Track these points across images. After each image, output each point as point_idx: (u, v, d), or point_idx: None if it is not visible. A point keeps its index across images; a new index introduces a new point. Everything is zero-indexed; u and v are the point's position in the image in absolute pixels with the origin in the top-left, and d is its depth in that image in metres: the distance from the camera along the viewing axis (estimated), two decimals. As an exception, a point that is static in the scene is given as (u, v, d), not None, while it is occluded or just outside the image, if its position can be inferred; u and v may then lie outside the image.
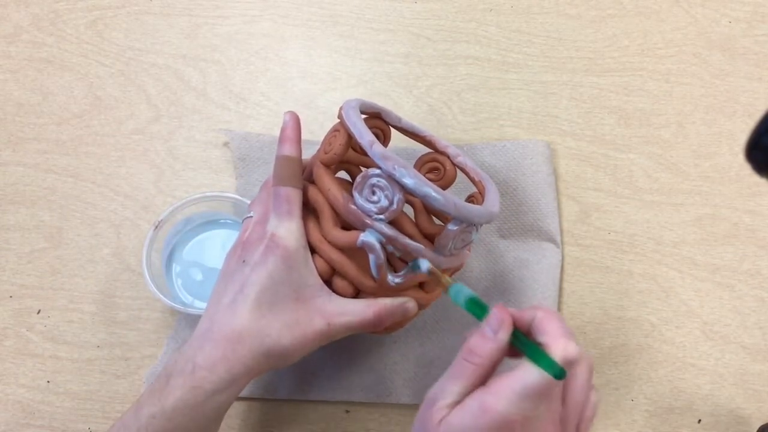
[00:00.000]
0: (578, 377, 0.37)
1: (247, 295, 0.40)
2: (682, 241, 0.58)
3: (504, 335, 0.35)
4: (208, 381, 0.39)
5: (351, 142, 0.43)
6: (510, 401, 0.33)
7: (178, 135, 0.61)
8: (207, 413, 0.39)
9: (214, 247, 0.56)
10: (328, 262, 0.42)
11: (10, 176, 0.59)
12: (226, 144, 0.60)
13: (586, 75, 0.64)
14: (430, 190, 0.39)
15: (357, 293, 0.43)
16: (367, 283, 0.42)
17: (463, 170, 0.50)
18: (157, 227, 0.51)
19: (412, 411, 0.53)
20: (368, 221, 0.41)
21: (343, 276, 0.43)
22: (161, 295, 0.49)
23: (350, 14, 0.66)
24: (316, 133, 0.60)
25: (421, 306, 0.46)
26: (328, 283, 0.43)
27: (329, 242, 0.42)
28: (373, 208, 0.41)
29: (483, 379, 0.35)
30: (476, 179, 0.49)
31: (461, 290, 0.39)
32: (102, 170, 0.59)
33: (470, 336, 0.36)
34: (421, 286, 0.46)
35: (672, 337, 0.56)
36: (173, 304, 0.50)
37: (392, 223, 0.41)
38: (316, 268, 0.42)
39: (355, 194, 0.41)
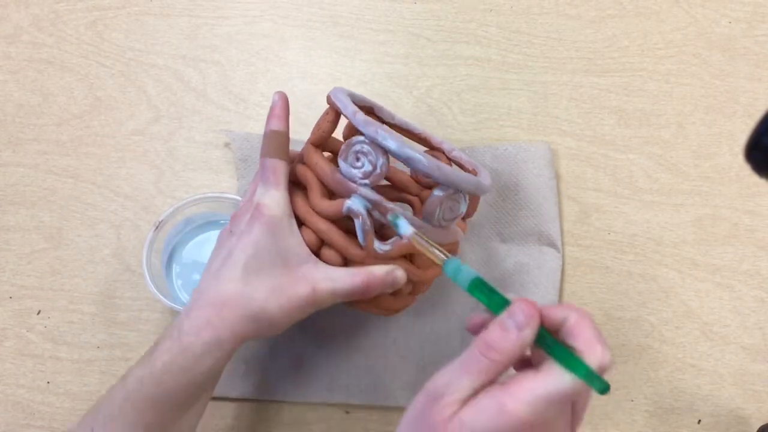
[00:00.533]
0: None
1: (232, 262, 0.41)
2: (682, 242, 0.58)
3: (530, 333, 0.32)
4: (195, 345, 0.39)
5: (338, 120, 0.44)
6: (532, 406, 0.30)
7: (178, 136, 0.61)
8: (195, 378, 0.39)
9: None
10: (315, 232, 0.42)
11: (10, 177, 0.59)
12: (227, 145, 0.60)
13: (586, 75, 0.64)
14: (412, 152, 0.39)
15: (345, 264, 0.43)
16: (354, 251, 0.42)
17: (458, 164, 0.51)
18: (157, 228, 0.51)
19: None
20: (353, 187, 0.41)
21: (331, 245, 0.42)
22: (161, 296, 0.49)
23: (350, 15, 0.66)
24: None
25: (416, 283, 0.46)
26: (316, 254, 0.43)
27: (317, 213, 0.43)
28: (357, 173, 0.41)
29: (497, 376, 0.33)
30: (469, 168, 0.50)
31: (461, 269, 0.35)
32: (102, 171, 0.59)
33: (489, 327, 0.33)
34: (411, 259, 0.45)
35: (672, 337, 0.56)
36: (173, 305, 0.50)
37: (382, 193, 0.42)
38: (304, 239, 0.42)
39: (340, 162, 0.42)
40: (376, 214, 0.41)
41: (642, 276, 0.57)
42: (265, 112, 0.62)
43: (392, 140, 0.40)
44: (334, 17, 0.66)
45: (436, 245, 0.38)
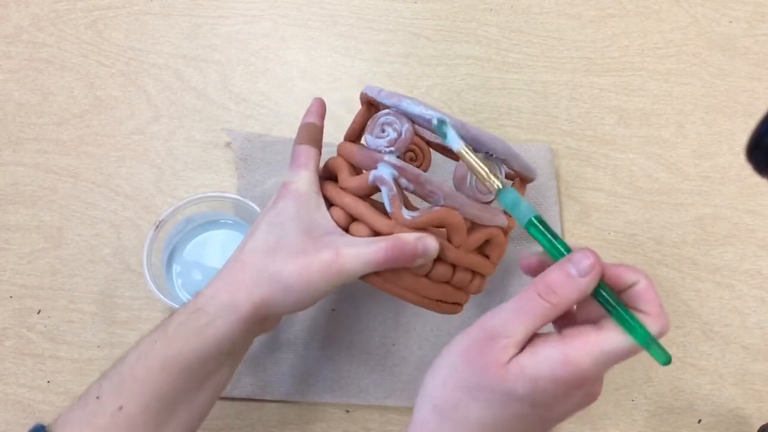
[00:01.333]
0: None
1: (256, 232, 0.40)
2: (682, 241, 0.58)
3: (591, 282, 0.31)
4: (209, 305, 0.38)
5: (371, 111, 0.44)
6: (596, 361, 0.30)
7: (178, 135, 0.61)
8: (207, 343, 0.37)
9: (214, 248, 0.56)
10: (343, 207, 0.41)
11: (10, 176, 0.59)
12: (227, 144, 0.60)
13: (586, 75, 0.64)
14: (437, 113, 0.39)
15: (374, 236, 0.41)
16: (382, 222, 0.40)
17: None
18: (157, 227, 0.51)
19: (412, 412, 0.53)
20: (378, 156, 0.40)
21: (358, 217, 0.41)
22: (161, 295, 0.49)
23: (350, 14, 0.66)
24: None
25: (456, 269, 0.42)
26: (346, 230, 0.41)
27: (344, 190, 0.42)
28: (383, 143, 0.41)
29: (550, 321, 0.32)
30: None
31: (520, 202, 0.33)
32: (102, 170, 0.59)
33: (549, 270, 0.32)
34: (448, 238, 0.41)
35: (672, 337, 0.56)
36: (173, 304, 0.50)
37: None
38: (333, 218, 0.41)
39: (367, 136, 0.42)
40: (403, 182, 0.40)
41: (642, 276, 0.57)
42: (265, 112, 0.62)
43: (415, 104, 0.40)
44: (334, 17, 0.66)
45: (489, 170, 0.35)
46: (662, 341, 0.56)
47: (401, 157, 0.41)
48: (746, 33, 0.66)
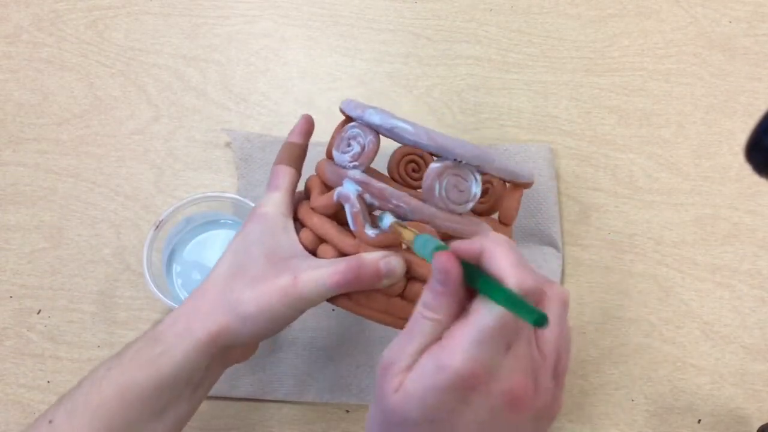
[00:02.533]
0: (549, 315, 0.30)
1: (221, 258, 0.40)
2: (682, 241, 0.58)
3: (454, 284, 0.29)
4: (165, 335, 0.37)
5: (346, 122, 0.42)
6: (467, 352, 0.28)
7: (178, 135, 0.61)
8: (163, 371, 0.36)
9: (214, 248, 0.56)
10: (310, 228, 0.40)
11: (10, 176, 0.59)
12: (228, 144, 0.60)
13: (586, 75, 0.64)
14: (398, 121, 0.37)
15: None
16: (347, 241, 0.39)
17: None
18: (157, 227, 0.51)
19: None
20: (343, 173, 0.39)
21: (324, 238, 0.40)
22: (161, 295, 0.49)
23: (350, 14, 0.66)
24: (315, 133, 0.60)
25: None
26: (313, 254, 0.40)
27: (313, 209, 0.41)
28: (347, 158, 0.39)
29: (439, 335, 0.30)
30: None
31: (428, 241, 0.32)
32: (102, 170, 0.59)
33: (423, 290, 0.31)
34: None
35: (672, 337, 0.56)
36: (173, 304, 0.50)
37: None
38: (302, 239, 0.40)
39: (334, 152, 0.41)
40: (368, 197, 0.38)
41: (642, 276, 0.57)
42: (265, 111, 0.62)
43: (377, 114, 0.38)
44: (334, 17, 0.66)
45: (406, 227, 0.35)
46: (662, 340, 0.56)
47: (368, 171, 0.40)
48: (746, 33, 0.66)
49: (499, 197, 0.42)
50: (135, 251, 0.57)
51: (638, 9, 0.67)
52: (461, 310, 0.30)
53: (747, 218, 0.59)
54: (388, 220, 0.37)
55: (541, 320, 0.26)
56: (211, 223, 0.57)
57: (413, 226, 0.36)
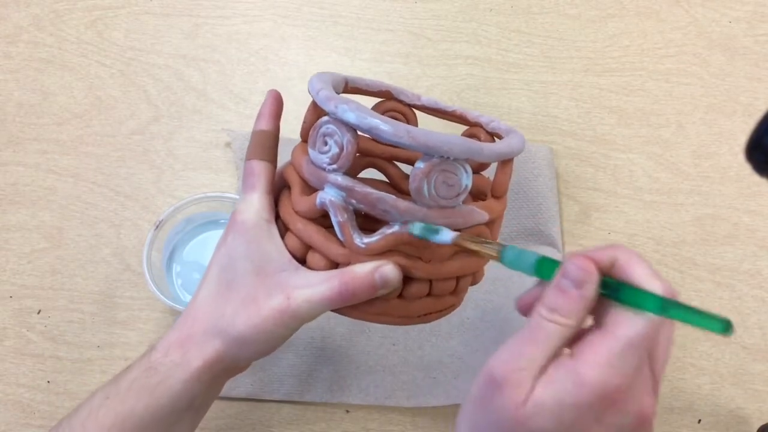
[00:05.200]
0: (666, 332, 0.30)
1: (207, 277, 0.38)
2: (682, 241, 0.58)
3: (591, 288, 0.28)
4: (161, 363, 0.36)
5: (319, 109, 0.39)
6: (612, 367, 0.27)
7: (178, 135, 0.61)
8: (161, 400, 0.36)
9: (214, 248, 0.55)
10: (296, 234, 0.37)
11: (10, 176, 0.59)
12: (227, 144, 0.60)
13: (586, 75, 0.64)
14: (375, 120, 0.33)
15: (334, 267, 0.37)
16: (336, 250, 0.36)
17: (498, 135, 0.43)
18: (157, 227, 0.51)
19: (412, 412, 0.53)
20: (324, 176, 0.36)
21: (311, 246, 0.37)
22: (162, 295, 0.49)
23: (350, 14, 0.66)
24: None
25: (433, 282, 0.37)
26: (302, 261, 0.37)
27: (296, 213, 0.37)
28: (325, 159, 0.36)
29: (565, 343, 0.29)
30: (504, 137, 0.42)
31: (522, 255, 0.31)
32: (102, 170, 0.59)
33: (546, 294, 0.29)
34: (418, 253, 0.37)
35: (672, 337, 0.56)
36: (173, 304, 0.50)
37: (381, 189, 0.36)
38: (287, 245, 0.38)
39: (310, 151, 0.37)
40: (353, 203, 0.35)
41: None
42: (265, 112, 0.62)
43: (351, 111, 0.34)
44: (334, 17, 0.66)
45: (483, 239, 0.33)
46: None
47: (348, 172, 0.36)
48: (746, 33, 0.66)
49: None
50: (135, 251, 0.57)
51: (638, 9, 0.67)
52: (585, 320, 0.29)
53: (747, 218, 0.59)
54: (446, 235, 0.34)
55: (729, 327, 0.24)
56: (211, 223, 0.57)
57: (470, 233, 0.35)
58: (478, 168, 0.44)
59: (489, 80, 0.64)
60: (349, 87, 0.42)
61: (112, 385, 0.37)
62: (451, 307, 0.40)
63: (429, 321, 0.39)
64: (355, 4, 0.66)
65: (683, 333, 0.56)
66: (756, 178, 0.30)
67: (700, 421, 0.54)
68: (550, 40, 0.65)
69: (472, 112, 0.44)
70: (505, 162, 0.39)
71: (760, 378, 0.55)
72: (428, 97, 0.45)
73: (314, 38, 0.65)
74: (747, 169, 0.30)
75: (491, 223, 0.39)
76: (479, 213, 0.37)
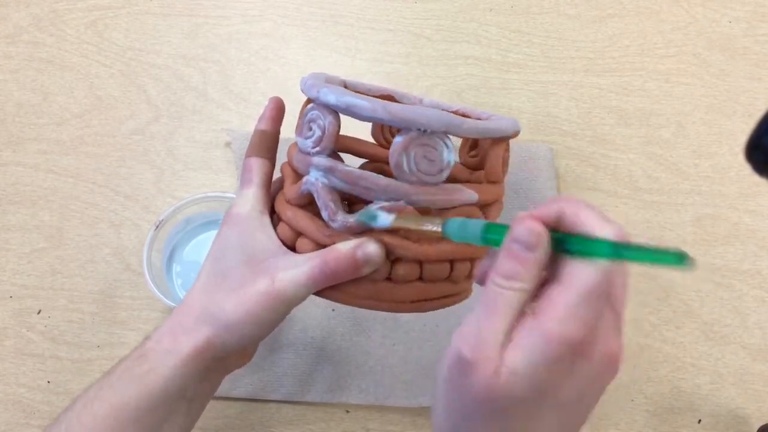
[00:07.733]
0: (621, 270, 0.30)
1: (201, 270, 0.39)
2: (682, 241, 0.58)
3: (542, 249, 0.28)
4: (153, 351, 0.36)
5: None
6: (575, 316, 0.27)
7: (178, 135, 0.61)
8: (152, 389, 0.36)
9: (214, 247, 0.56)
10: (286, 222, 0.38)
11: (10, 176, 0.59)
12: (227, 144, 0.60)
13: (586, 75, 0.64)
14: (353, 98, 0.34)
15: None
16: (322, 231, 0.37)
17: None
18: (157, 227, 0.51)
19: (412, 411, 0.53)
20: (309, 160, 0.37)
21: (299, 231, 0.38)
22: (162, 295, 0.49)
23: (350, 14, 0.66)
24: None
25: (423, 264, 0.37)
26: (292, 248, 0.38)
27: (287, 202, 0.39)
28: (309, 143, 0.37)
29: (524, 307, 0.28)
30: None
31: (466, 224, 0.30)
32: (102, 170, 0.59)
33: (497, 261, 0.28)
34: (405, 233, 0.36)
35: (672, 337, 0.56)
36: (173, 304, 0.50)
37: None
38: (279, 234, 0.39)
39: (297, 138, 0.38)
40: (336, 182, 0.36)
41: (642, 276, 0.57)
42: (265, 112, 0.62)
43: (332, 93, 0.35)
44: (334, 17, 0.66)
45: (424, 216, 0.33)
46: (662, 340, 0.56)
47: (333, 155, 0.37)
48: (746, 33, 0.66)
49: (486, 152, 0.40)
50: (135, 251, 0.57)
51: (638, 9, 0.67)
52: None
53: (747, 218, 0.59)
54: (382, 217, 0.34)
55: (686, 259, 0.24)
56: (211, 223, 0.57)
57: (403, 213, 0.35)
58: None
59: (489, 80, 0.64)
60: (349, 90, 0.42)
61: (106, 376, 0.38)
62: (453, 296, 0.40)
63: (425, 310, 0.39)
64: (355, 4, 0.66)
65: (683, 333, 0.56)
66: (756, 178, 0.30)
67: (700, 421, 0.54)
68: (550, 40, 0.65)
69: (475, 111, 0.45)
70: (497, 143, 0.39)
71: (760, 378, 0.55)
72: (430, 99, 0.46)
73: (314, 38, 0.65)
74: (747, 169, 0.30)
75: (486, 207, 0.39)
76: (467, 192, 0.36)
